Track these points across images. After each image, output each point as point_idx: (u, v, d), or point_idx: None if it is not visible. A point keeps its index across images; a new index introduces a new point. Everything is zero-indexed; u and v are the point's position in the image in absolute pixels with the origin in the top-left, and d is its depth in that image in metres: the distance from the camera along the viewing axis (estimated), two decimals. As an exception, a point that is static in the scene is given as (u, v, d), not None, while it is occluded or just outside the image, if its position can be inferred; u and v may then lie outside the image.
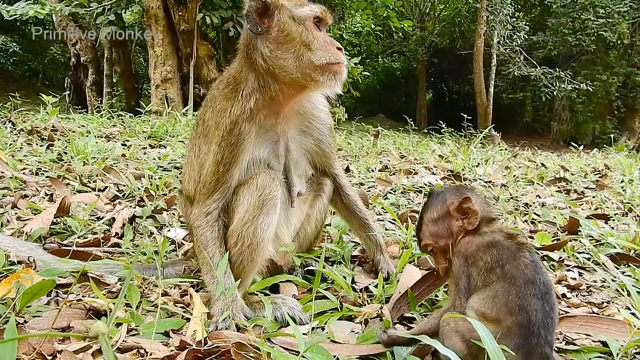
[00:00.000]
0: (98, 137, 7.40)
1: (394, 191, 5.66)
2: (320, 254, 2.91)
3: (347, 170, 6.70)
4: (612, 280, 3.22)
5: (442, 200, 2.42)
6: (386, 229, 4.24)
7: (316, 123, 3.14)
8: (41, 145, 6.31)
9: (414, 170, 7.00)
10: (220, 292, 2.57)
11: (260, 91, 2.81)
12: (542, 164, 9.10)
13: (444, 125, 13.45)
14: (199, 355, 2.14)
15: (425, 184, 6.02)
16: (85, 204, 4.20)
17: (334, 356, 2.18)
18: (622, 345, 2.36)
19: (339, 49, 2.80)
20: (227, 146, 2.79)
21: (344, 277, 3.04)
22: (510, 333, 1.91)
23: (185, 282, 2.99)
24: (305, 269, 3.26)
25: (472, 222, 2.31)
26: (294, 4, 2.78)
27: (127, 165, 5.78)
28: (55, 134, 7.05)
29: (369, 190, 5.75)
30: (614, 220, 4.81)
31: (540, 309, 1.94)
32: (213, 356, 2.14)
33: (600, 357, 2.37)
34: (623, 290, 2.96)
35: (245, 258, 2.71)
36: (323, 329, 2.56)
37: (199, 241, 2.81)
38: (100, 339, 0.97)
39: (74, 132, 7.34)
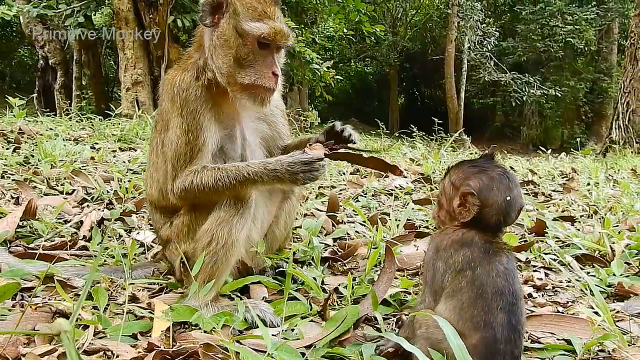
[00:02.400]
0: (66, 140, 7.29)
1: (365, 194, 5.69)
2: (288, 256, 2.92)
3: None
4: (577, 280, 3.28)
5: (466, 174, 2.20)
6: (357, 231, 4.26)
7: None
8: (7, 148, 6.19)
9: (385, 173, 7.03)
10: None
11: (211, 74, 2.82)
12: (511, 168, 9.21)
13: (415, 129, 13.55)
14: (167, 356, 2.13)
15: (396, 187, 6.06)
16: (53, 207, 4.14)
17: (303, 355, 2.18)
18: (584, 343, 2.41)
19: (274, 74, 2.78)
20: (188, 114, 2.76)
21: (314, 279, 3.05)
22: (476, 350, 1.87)
23: (154, 284, 2.97)
24: (276, 270, 3.26)
25: (464, 215, 2.15)
26: (248, 13, 2.73)
27: (96, 168, 5.71)
28: (22, 137, 6.93)
29: (340, 193, 5.77)
30: (579, 222, 4.90)
31: (507, 324, 1.91)
32: (181, 357, 2.13)
33: (564, 354, 2.42)
34: (586, 289, 3.02)
35: (220, 259, 2.68)
36: (293, 330, 2.56)
37: (203, 184, 2.69)
38: (62, 336, 0.97)
39: (41, 134, 7.22)
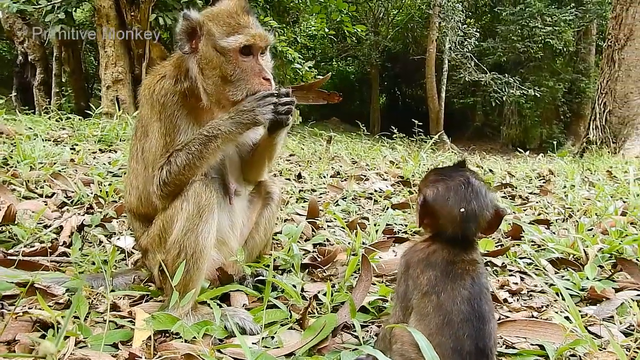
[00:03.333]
0: (46, 140, 7.23)
1: (345, 198, 5.74)
2: (269, 264, 2.95)
3: (299, 176, 6.75)
4: (551, 286, 3.35)
5: (428, 182, 2.20)
6: (336, 237, 4.30)
7: None
8: (-14, 149, 6.14)
9: (365, 176, 7.10)
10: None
11: (188, 83, 2.85)
12: (490, 170, 9.32)
13: (395, 130, 13.61)
14: (148, 367, 2.16)
15: (376, 190, 6.12)
16: (32, 212, 4.13)
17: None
18: (557, 349, 2.48)
19: (266, 79, 2.79)
20: (166, 118, 2.79)
21: (294, 286, 3.08)
22: None
23: (134, 292, 2.99)
24: (255, 278, 3.29)
25: (418, 222, 2.17)
26: (222, 31, 2.76)
27: (76, 170, 5.68)
28: (1, 137, 6.87)
29: (320, 197, 5.81)
30: (555, 225, 4.98)
31: (474, 350, 1.90)
32: (162, 368, 2.16)
33: None
34: (559, 294, 3.09)
35: (191, 267, 2.69)
36: (273, 338, 2.60)
37: (178, 166, 2.73)
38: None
39: (20, 135, 7.16)
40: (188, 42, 2.81)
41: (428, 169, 8.11)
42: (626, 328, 2.83)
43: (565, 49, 29.76)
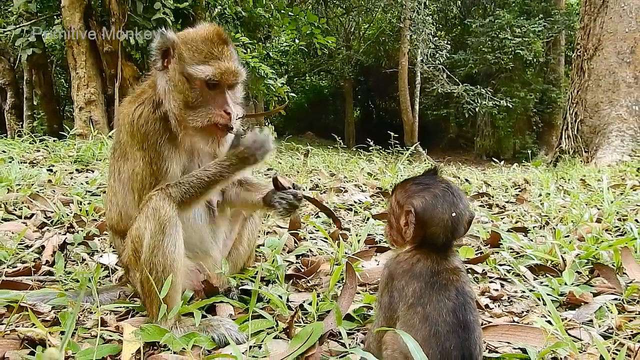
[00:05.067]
0: (22, 162, 7.18)
1: (325, 209, 5.77)
2: (255, 274, 2.97)
3: (279, 190, 6.76)
4: (531, 291, 3.41)
5: (409, 192, 2.21)
6: (319, 248, 4.34)
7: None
8: (-39, 173, 6.07)
9: (344, 188, 7.15)
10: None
11: (166, 109, 2.86)
12: (466, 180, 9.43)
13: (371, 143, 13.69)
14: (138, 379, 2.17)
15: (355, 202, 6.17)
16: (13, 233, 4.11)
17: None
18: (539, 352, 2.53)
19: (227, 112, 2.78)
20: (149, 147, 2.80)
21: (280, 296, 3.11)
22: None
23: (120, 307, 2.99)
24: (240, 288, 3.31)
25: (407, 233, 2.17)
26: (193, 57, 2.75)
27: (54, 191, 5.64)
28: (-25, 161, 6.81)
29: (301, 210, 5.84)
30: (532, 232, 5.07)
31: None
32: (152, 379, 2.17)
33: (519, 363, 2.53)
34: (540, 299, 3.16)
35: (166, 283, 2.67)
36: (260, 347, 2.62)
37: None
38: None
39: (-5, 158, 7.10)
40: (161, 59, 2.83)
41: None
42: (605, 331, 2.90)
43: (535, 60, 30.18)
